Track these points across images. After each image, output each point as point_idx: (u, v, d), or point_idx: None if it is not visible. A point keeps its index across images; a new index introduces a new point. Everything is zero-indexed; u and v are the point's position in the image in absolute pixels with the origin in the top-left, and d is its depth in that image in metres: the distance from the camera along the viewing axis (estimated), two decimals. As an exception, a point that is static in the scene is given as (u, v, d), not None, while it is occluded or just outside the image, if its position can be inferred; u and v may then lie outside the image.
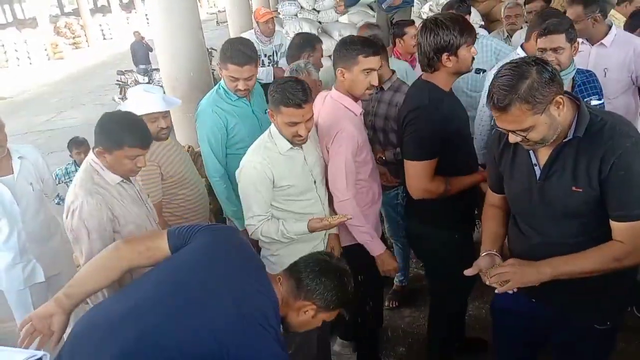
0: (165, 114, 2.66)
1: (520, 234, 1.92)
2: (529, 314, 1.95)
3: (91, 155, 2.21)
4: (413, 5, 6.15)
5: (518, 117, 1.61)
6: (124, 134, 2.08)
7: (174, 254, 1.71)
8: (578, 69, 2.63)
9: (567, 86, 2.42)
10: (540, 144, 1.69)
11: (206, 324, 1.50)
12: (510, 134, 1.69)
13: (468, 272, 1.85)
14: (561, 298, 1.85)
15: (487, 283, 1.77)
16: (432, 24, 2.14)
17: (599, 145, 1.64)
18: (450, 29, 2.10)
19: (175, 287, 1.59)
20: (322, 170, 2.47)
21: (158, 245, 1.74)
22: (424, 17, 6.97)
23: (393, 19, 5.60)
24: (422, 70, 2.27)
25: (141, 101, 2.59)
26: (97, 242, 2.08)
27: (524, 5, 4.23)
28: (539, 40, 2.52)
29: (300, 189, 2.35)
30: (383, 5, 5.47)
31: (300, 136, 2.23)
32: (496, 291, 1.73)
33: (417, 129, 2.23)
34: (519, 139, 1.68)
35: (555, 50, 2.47)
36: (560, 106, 1.62)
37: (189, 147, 3.64)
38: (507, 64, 1.68)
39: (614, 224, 1.68)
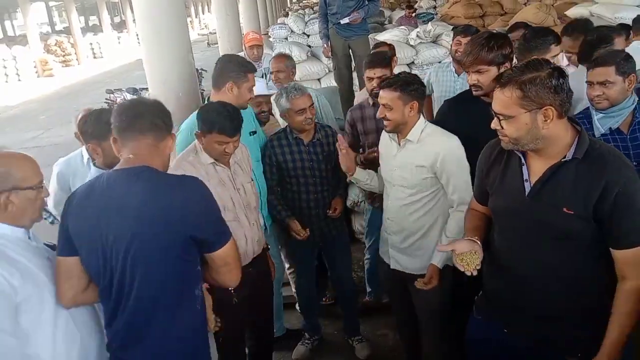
0: (268, 100, 3.24)
1: (496, 269, 1.91)
2: (502, 344, 1.95)
3: None
4: (369, 34, 6.08)
5: (507, 99, 1.68)
6: (214, 121, 2.34)
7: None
8: None
9: (624, 122, 2.41)
10: (514, 144, 1.74)
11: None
12: (495, 118, 1.75)
13: (442, 248, 1.92)
14: (534, 330, 1.86)
15: (455, 264, 1.83)
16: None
17: (601, 171, 1.65)
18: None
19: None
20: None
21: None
22: (412, 43, 7.09)
23: (350, 47, 5.60)
24: None
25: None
26: None
27: (507, 34, 4.32)
28: (588, 72, 2.44)
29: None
30: (342, 22, 5.42)
31: None
32: None
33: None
34: (498, 127, 1.74)
35: (602, 83, 2.37)
36: (548, 119, 1.65)
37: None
38: (534, 58, 1.77)
39: (618, 253, 1.69)
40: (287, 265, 3.57)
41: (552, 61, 2.83)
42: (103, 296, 1.82)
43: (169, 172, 2.36)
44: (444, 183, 2.45)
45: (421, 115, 2.49)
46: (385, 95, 2.42)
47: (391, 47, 4.25)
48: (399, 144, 2.52)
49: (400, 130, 2.47)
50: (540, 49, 2.79)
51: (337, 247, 3.25)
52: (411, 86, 2.40)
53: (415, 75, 2.53)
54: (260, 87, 3.26)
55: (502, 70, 2.30)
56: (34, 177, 1.80)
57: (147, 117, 1.80)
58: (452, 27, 6.26)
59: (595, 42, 2.91)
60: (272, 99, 3.34)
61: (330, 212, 3.05)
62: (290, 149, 3.01)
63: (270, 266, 2.87)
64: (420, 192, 2.49)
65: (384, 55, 3.35)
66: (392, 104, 2.40)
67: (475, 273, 1.81)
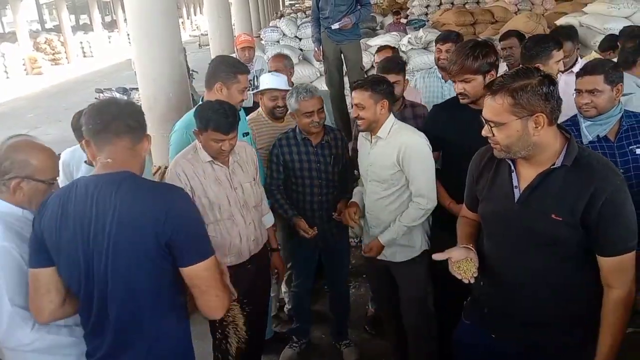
0: (284, 95, 3.13)
1: (485, 275, 1.90)
2: (491, 349, 1.95)
3: None
4: (361, 38, 6.11)
5: (498, 106, 1.68)
6: (210, 119, 2.35)
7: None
8: (628, 112, 2.51)
9: (611, 130, 2.45)
10: (505, 152, 1.74)
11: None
12: (486, 125, 1.75)
13: (437, 257, 1.89)
14: (523, 336, 1.87)
15: (452, 272, 1.82)
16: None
17: (589, 179, 1.66)
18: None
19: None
20: None
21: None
22: (404, 49, 7.13)
23: (341, 51, 5.61)
24: None
25: (268, 80, 3.25)
26: None
27: (499, 42, 4.35)
28: (577, 81, 2.50)
29: None
30: (333, 27, 5.43)
31: None
32: None
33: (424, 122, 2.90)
34: (489, 134, 1.74)
35: (591, 92, 2.41)
36: (539, 126, 1.66)
37: (159, 167, 3.64)
38: (523, 66, 1.78)
39: (604, 260, 1.70)
40: None
41: (557, 66, 2.90)
42: (83, 306, 1.76)
43: (167, 168, 2.38)
44: (406, 174, 2.59)
45: (391, 114, 2.63)
46: (357, 95, 2.58)
47: (394, 50, 4.24)
48: (371, 142, 2.66)
49: (372, 128, 2.62)
50: (542, 56, 2.84)
51: (338, 251, 3.25)
52: (380, 85, 2.57)
53: (384, 76, 2.71)
54: (277, 81, 3.27)
55: (487, 78, 2.34)
56: (50, 172, 1.88)
57: (122, 119, 1.72)
58: (443, 33, 6.30)
59: (637, 47, 3.02)
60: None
61: (336, 215, 3.02)
62: (298, 149, 3.01)
63: (279, 266, 2.93)
64: (391, 186, 2.64)
65: (398, 61, 3.33)
66: (364, 103, 2.55)
67: (472, 281, 1.81)
